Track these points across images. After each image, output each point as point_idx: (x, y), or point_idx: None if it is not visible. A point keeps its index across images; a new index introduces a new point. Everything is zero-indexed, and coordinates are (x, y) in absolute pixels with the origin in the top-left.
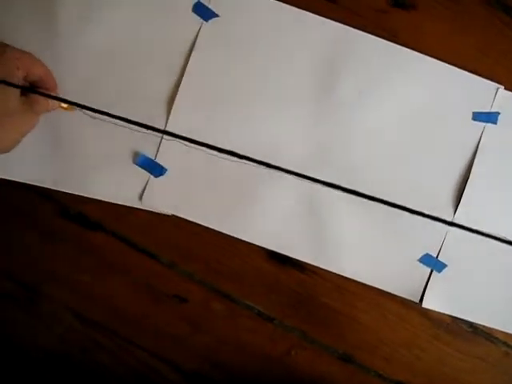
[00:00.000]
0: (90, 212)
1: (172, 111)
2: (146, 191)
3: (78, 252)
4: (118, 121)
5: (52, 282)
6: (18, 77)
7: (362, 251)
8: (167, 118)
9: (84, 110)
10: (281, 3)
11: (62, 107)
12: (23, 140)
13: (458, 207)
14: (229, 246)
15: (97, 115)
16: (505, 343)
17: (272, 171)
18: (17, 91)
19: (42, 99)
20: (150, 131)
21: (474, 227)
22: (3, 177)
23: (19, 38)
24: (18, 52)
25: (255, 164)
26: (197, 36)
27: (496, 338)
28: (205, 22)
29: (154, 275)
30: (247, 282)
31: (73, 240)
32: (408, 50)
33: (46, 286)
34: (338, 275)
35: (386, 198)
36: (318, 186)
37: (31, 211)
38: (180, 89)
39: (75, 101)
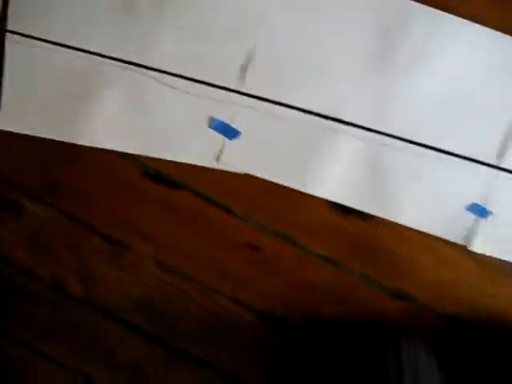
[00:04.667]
0: (171, 173)
1: None
2: (222, 152)
3: (159, 208)
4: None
5: (136, 236)
6: None
7: (417, 200)
8: None
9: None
10: None
11: None
12: (106, 105)
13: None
14: (299, 199)
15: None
16: None
17: (335, 126)
18: None
19: None
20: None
21: None
22: (88, 144)
23: None
24: None
25: (321, 118)
26: None
27: None
28: None
29: (230, 227)
30: (314, 231)
31: (155, 198)
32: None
33: (131, 239)
34: (397, 224)
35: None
36: (377, 139)
37: (114, 171)
38: None
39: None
